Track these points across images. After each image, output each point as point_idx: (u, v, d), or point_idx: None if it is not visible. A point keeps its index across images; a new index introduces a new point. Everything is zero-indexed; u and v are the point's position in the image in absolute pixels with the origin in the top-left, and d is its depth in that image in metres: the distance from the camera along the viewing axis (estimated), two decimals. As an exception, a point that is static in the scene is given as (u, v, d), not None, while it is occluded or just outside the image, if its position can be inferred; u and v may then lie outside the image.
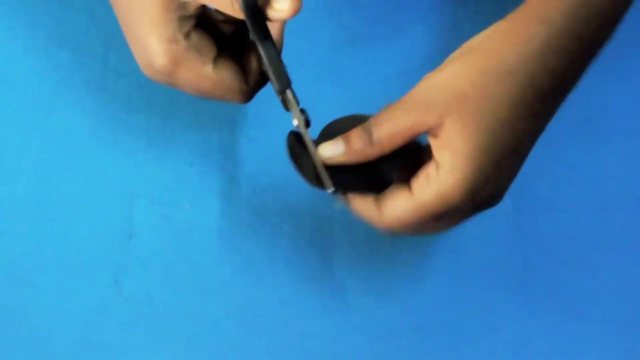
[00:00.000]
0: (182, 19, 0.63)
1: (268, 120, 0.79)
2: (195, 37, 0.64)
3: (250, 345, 0.76)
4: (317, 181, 0.65)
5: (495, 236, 0.79)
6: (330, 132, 0.66)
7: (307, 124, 0.65)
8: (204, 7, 0.64)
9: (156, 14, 0.63)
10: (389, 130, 0.62)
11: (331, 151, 0.64)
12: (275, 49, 0.63)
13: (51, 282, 0.76)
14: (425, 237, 0.78)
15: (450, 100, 0.61)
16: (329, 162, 0.64)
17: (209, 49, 0.65)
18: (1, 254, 0.76)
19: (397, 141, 0.63)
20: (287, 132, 0.65)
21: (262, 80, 0.67)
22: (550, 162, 0.80)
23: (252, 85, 0.67)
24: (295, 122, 0.65)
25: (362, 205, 0.65)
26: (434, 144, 0.62)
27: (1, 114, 0.78)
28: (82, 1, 0.81)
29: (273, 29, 0.65)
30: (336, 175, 0.64)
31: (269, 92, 0.67)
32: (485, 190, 0.63)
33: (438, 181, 0.61)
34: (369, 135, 0.63)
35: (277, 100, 0.67)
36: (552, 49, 0.62)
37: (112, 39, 0.80)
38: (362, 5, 0.82)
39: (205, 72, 0.65)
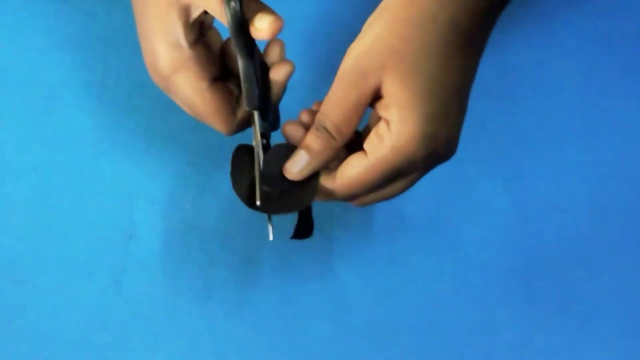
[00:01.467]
0: (187, 25, 0.64)
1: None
2: (201, 50, 0.65)
3: (250, 346, 0.76)
4: (248, 198, 0.65)
5: (495, 236, 0.79)
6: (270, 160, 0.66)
7: (265, 149, 0.65)
8: (206, 15, 0.64)
9: (162, 17, 0.63)
10: (339, 114, 0.62)
11: (299, 165, 0.64)
12: (255, 69, 0.63)
13: (51, 282, 0.76)
14: (425, 238, 0.79)
15: (383, 59, 0.61)
16: (300, 176, 0.64)
17: (211, 67, 0.65)
18: (1, 254, 0.76)
19: (353, 120, 0.62)
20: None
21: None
22: (550, 162, 0.80)
23: (239, 118, 0.67)
24: (253, 143, 0.65)
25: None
26: (379, 106, 0.62)
27: (1, 114, 0.78)
28: (82, 1, 0.80)
29: (279, 75, 0.65)
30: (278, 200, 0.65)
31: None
32: (439, 136, 0.62)
33: (391, 136, 0.61)
34: (324, 129, 0.63)
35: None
36: None
37: (112, 39, 0.80)
38: (363, 5, 0.82)
39: (200, 87, 0.65)
